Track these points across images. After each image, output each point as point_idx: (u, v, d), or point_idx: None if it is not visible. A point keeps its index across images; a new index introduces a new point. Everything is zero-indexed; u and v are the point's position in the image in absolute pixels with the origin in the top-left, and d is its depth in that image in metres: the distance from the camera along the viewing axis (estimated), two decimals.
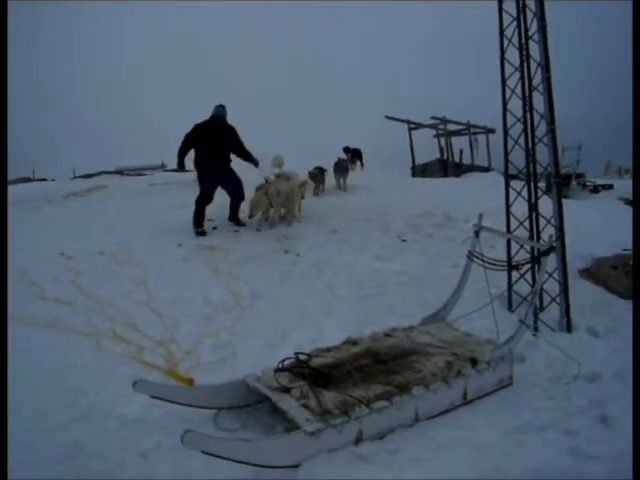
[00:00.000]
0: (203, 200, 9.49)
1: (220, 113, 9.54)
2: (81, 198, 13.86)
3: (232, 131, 9.63)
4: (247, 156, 9.79)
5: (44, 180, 23.96)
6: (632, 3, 6.10)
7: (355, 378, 4.45)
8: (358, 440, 4.05)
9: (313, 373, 4.51)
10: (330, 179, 13.08)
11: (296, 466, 3.79)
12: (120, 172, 24.83)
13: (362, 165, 20.22)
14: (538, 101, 6.49)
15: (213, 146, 9.35)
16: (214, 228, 9.68)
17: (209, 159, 9.41)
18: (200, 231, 9.34)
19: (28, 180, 23.91)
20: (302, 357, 4.75)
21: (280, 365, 4.62)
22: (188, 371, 5.26)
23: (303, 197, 10.60)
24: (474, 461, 3.91)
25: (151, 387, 4.45)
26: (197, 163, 9.64)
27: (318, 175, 12.62)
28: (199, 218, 9.45)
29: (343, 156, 15.50)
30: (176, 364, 5.42)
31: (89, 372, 5.21)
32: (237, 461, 3.65)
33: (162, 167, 26.57)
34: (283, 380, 4.42)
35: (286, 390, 4.30)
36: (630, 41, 5.91)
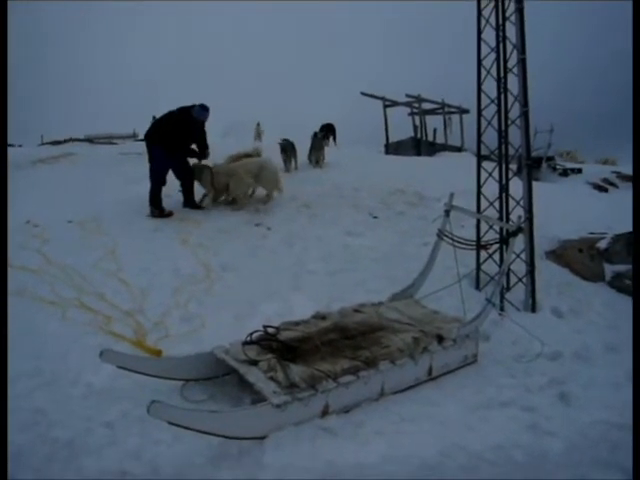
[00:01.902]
0: (155, 179, 9.03)
1: (199, 116, 9.08)
2: (49, 165, 13.59)
3: (193, 131, 9.14)
4: (203, 144, 9.31)
5: (11, 146, 23.39)
6: (632, 3, 6.12)
7: (323, 352, 4.49)
8: (324, 413, 4.10)
9: (281, 346, 4.53)
10: (302, 155, 12.97)
11: (262, 438, 3.82)
12: (90, 140, 24.36)
13: (335, 141, 20.08)
14: (513, 83, 6.52)
15: (172, 127, 8.94)
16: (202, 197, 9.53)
17: (161, 134, 8.98)
18: (154, 212, 8.94)
19: None
20: (271, 330, 4.78)
21: (248, 338, 4.64)
22: (156, 342, 5.25)
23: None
24: (437, 435, 3.98)
25: (118, 357, 4.42)
26: (148, 135, 9.27)
27: (288, 147, 12.41)
28: (154, 199, 9.00)
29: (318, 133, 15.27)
30: (144, 335, 5.40)
31: (54, 341, 5.17)
32: (203, 432, 3.67)
33: (133, 136, 26.14)
34: (251, 353, 4.43)
35: (254, 363, 4.32)
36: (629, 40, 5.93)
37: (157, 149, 9.00)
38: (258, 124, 20.26)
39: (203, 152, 9.40)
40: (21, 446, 3.69)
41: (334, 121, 20.15)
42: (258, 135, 19.72)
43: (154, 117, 12.74)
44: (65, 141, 23.30)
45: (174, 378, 4.53)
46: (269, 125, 21.08)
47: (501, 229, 6.63)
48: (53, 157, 14.44)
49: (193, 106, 9.10)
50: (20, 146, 21.37)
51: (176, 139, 9.00)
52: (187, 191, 9.44)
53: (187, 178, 9.36)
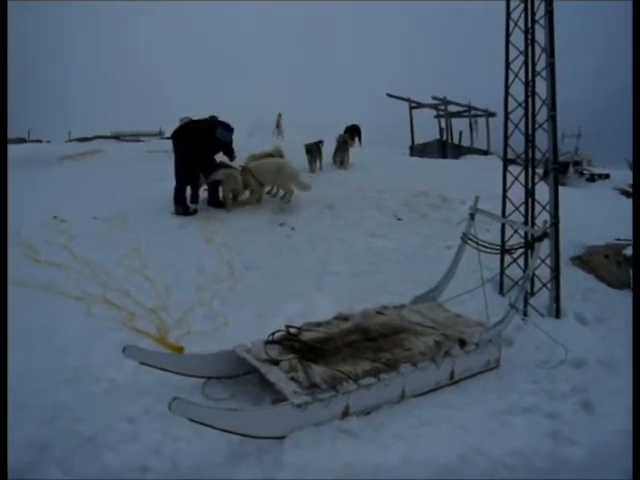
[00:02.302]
0: (180, 178, 9.14)
1: (222, 138, 9.21)
2: (76, 162, 13.78)
3: (220, 145, 9.35)
4: (229, 150, 9.51)
5: (39, 141, 23.76)
6: (632, 3, 6.05)
7: (344, 354, 4.49)
8: (344, 415, 4.10)
9: (303, 347, 4.54)
10: (327, 156, 12.98)
11: (282, 437, 3.82)
12: (117, 137, 24.65)
13: (360, 142, 20.02)
14: (541, 86, 6.46)
15: (197, 139, 9.07)
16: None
17: (187, 140, 9.12)
18: (179, 210, 9.02)
19: (23, 141, 23.71)
20: (293, 330, 4.79)
21: (270, 337, 4.65)
22: (178, 339, 5.29)
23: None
24: (457, 439, 3.96)
25: (141, 353, 4.46)
26: (175, 135, 9.46)
27: (314, 149, 12.43)
28: (179, 197, 9.09)
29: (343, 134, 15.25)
30: (167, 332, 5.44)
31: (79, 336, 5.24)
32: (223, 430, 3.69)
33: (160, 134, 26.38)
34: (273, 352, 4.45)
35: (275, 362, 4.34)
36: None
37: (182, 148, 9.10)
38: (279, 115, 20.30)
39: (229, 157, 9.56)
40: (45, 440, 3.74)
41: (359, 122, 20.08)
42: (278, 125, 19.70)
43: (188, 118, 12.79)
44: (92, 138, 23.60)
45: (196, 375, 4.55)
46: (294, 125, 21.12)
47: (526, 234, 6.58)
48: (80, 154, 14.64)
49: (218, 125, 9.23)
50: (48, 142, 21.68)
51: (199, 151, 9.12)
52: (212, 190, 9.51)
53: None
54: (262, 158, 10.30)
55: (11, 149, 15.17)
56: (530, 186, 6.64)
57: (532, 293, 6.60)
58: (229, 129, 9.24)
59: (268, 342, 4.60)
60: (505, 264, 6.81)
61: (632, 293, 6.33)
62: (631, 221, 5.69)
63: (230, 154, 9.53)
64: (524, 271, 6.41)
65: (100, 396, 4.32)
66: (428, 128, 23.01)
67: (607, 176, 14.71)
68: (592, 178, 14.71)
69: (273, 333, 4.69)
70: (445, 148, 21.79)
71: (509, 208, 6.79)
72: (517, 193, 6.77)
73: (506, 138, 6.77)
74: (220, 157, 9.60)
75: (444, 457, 3.76)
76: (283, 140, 18.04)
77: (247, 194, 9.66)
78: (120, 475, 3.51)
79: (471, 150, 22.01)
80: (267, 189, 9.96)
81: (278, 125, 19.84)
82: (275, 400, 4.15)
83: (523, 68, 6.54)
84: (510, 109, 6.70)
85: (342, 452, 3.74)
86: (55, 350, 4.92)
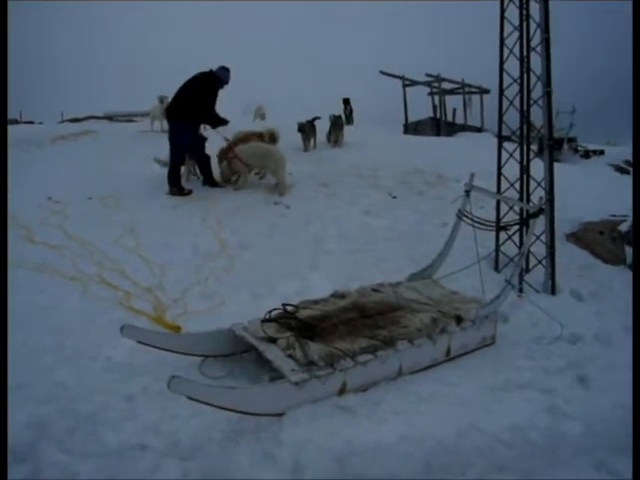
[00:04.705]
0: (174, 158, 9.07)
1: (220, 75, 9.03)
2: (69, 142, 13.65)
3: (213, 92, 9.08)
4: (214, 118, 9.30)
5: (31, 123, 23.53)
6: (632, 3, 6.01)
7: (341, 331, 4.50)
8: (342, 391, 4.12)
9: (300, 324, 4.55)
10: (321, 134, 12.90)
11: (280, 415, 3.85)
12: (109, 117, 24.43)
13: (352, 120, 19.93)
14: (536, 62, 6.42)
15: (190, 96, 8.89)
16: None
17: (179, 107, 8.94)
18: (173, 190, 8.95)
19: (15, 122, 23.48)
20: (289, 308, 4.80)
21: (267, 315, 4.66)
22: (175, 318, 5.30)
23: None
24: (454, 415, 3.99)
25: (138, 332, 4.47)
26: (168, 109, 9.32)
27: (307, 127, 12.32)
28: (173, 177, 9.03)
29: (337, 112, 15.15)
30: (164, 311, 5.45)
31: (76, 316, 5.24)
32: (222, 408, 3.71)
33: None
34: (270, 330, 4.46)
35: (272, 340, 4.35)
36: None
37: (176, 123, 8.99)
38: (259, 107, 20.09)
39: (222, 124, 9.39)
40: (44, 418, 3.75)
41: (351, 100, 19.89)
42: (260, 116, 19.47)
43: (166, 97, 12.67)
44: (85, 118, 23.39)
45: (193, 354, 4.57)
46: (287, 104, 20.96)
47: (521, 210, 6.58)
48: (73, 134, 14.49)
49: (205, 77, 9.04)
50: (41, 123, 21.50)
51: (196, 102, 8.89)
52: (205, 170, 9.45)
53: (204, 158, 9.38)
54: (250, 137, 10.17)
55: None
56: (525, 162, 6.63)
57: (527, 270, 6.62)
58: (226, 68, 9.08)
59: (265, 320, 4.62)
60: (500, 241, 6.82)
61: (632, 272, 6.34)
62: (626, 197, 5.71)
63: (222, 122, 9.34)
64: (519, 248, 6.42)
65: (98, 375, 4.33)
66: (422, 106, 22.85)
67: (602, 152, 14.64)
68: (586, 154, 14.63)
69: (270, 311, 4.70)
70: (439, 126, 21.64)
71: (504, 185, 6.78)
72: (512, 170, 6.76)
73: (501, 114, 6.74)
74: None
75: (441, 433, 3.79)
76: (264, 120, 17.68)
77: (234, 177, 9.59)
78: (119, 453, 3.52)
79: (465, 127, 21.87)
80: (255, 171, 9.85)
81: (260, 115, 19.54)
82: (273, 378, 4.17)
83: (518, 44, 6.50)
84: (505, 85, 6.66)
85: (340, 429, 3.76)
86: (52, 330, 4.93)
